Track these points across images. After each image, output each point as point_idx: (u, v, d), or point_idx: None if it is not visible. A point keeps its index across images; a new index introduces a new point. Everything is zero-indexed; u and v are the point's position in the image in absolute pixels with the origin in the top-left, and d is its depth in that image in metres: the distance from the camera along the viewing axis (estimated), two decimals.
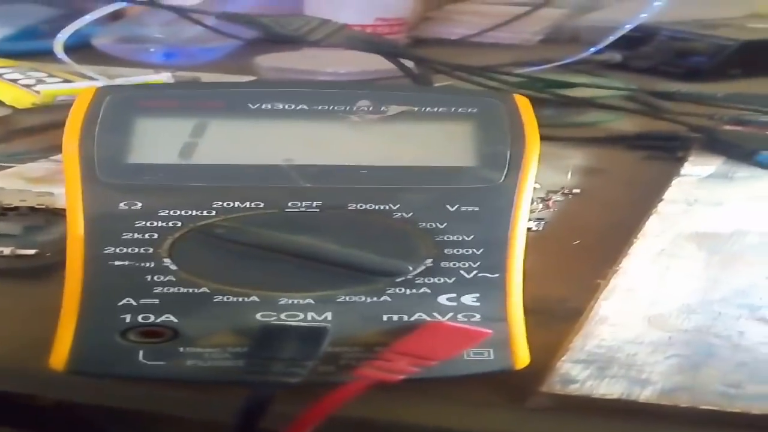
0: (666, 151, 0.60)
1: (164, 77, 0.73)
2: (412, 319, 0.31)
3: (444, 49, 0.94)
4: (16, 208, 0.47)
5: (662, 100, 0.73)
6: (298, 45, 0.80)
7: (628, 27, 0.83)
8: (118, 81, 0.73)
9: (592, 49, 0.83)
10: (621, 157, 0.61)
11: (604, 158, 0.60)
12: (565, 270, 0.41)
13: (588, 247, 0.45)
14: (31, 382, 0.33)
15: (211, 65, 0.87)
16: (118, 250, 0.32)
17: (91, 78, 0.75)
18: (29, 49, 0.88)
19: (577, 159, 0.59)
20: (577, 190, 0.52)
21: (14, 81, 0.73)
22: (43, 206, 0.47)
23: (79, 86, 0.71)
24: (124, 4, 0.82)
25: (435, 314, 0.32)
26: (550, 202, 0.50)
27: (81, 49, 0.82)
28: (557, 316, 0.36)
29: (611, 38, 0.83)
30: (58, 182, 0.51)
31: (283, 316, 0.31)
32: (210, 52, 0.90)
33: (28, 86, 0.71)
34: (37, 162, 0.57)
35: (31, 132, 0.65)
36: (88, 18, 0.79)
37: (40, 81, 0.72)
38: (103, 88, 0.35)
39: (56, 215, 0.47)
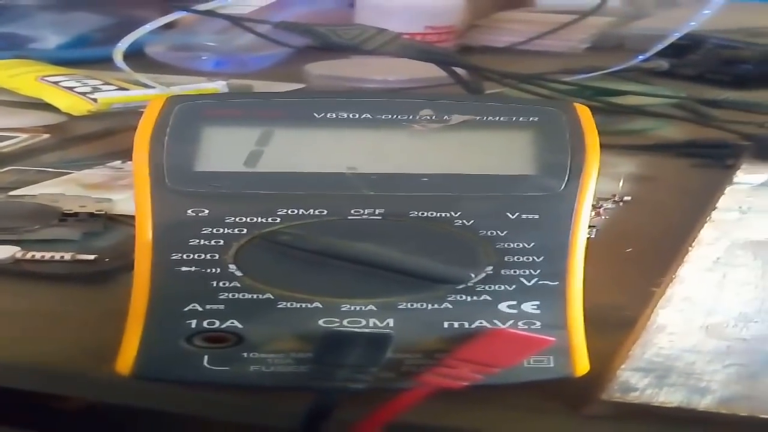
0: (715, 158, 0.60)
1: (219, 85, 0.73)
2: (473, 326, 0.31)
3: (491, 57, 0.93)
4: (75, 214, 0.48)
5: (710, 107, 0.73)
6: (347, 53, 0.80)
7: (677, 35, 0.83)
8: (174, 89, 0.74)
9: (640, 57, 0.83)
10: (670, 165, 0.61)
11: (653, 166, 0.60)
12: (619, 278, 0.41)
13: (640, 254, 0.45)
14: (94, 387, 0.34)
15: (262, 73, 0.88)
16: (185, 257, 0.32)
17: (146, 86, 0.76)
18: (83, 57, 0.89)
19: (627, 167, 0.59)
20: (628, 198, 0.52)
21: (71, 89, 0.73)
22: (102, 212, 0.48)
23: (135, 94, 0.72)
24: (182, 14, 0.83)
25: (496, 321, 0.32)
26: (601, 210, 0.50)
27: (133, 57, 0.83)
28: (612, 323, 0.36)
29: (659, 46, 0.82)
30: (115, 189, 0.52)
31: (345, 322, 0.31)
32: (260, 60, 0.91)
33: (83, 94, 0.72)
34: (94, 168, 0.57)
35: (88, 139, 0.66)
36: (147, 27, 0.80)
37: (96, 89, 0.73)
38: (173, 97, 0.36)
39: (114, 221, 0.47)
